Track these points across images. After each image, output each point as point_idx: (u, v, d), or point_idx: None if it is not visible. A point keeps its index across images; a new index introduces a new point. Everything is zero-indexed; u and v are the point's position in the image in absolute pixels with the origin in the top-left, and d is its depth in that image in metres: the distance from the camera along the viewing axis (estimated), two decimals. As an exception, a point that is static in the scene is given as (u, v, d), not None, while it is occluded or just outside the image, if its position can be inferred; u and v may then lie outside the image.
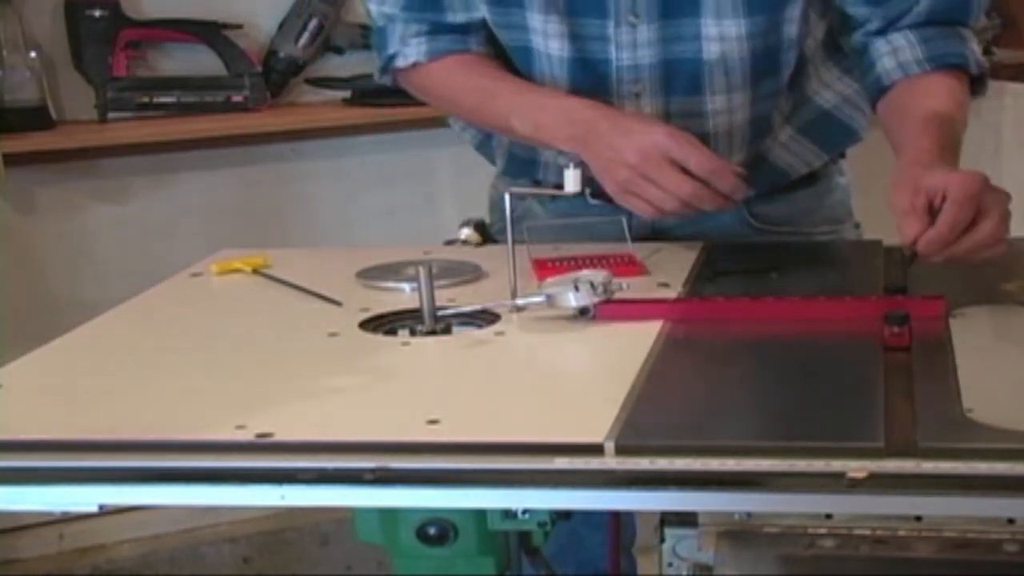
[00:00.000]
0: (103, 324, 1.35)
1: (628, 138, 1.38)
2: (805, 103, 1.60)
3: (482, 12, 1.54)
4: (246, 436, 1.00)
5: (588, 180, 1.39)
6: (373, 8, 1.61)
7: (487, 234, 1.59)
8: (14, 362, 1.21)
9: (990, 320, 1.24)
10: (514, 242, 1.32)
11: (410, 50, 1.57)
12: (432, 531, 1.04)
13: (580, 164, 1.36)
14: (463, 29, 1.56)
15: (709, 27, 1.47)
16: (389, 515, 1.06)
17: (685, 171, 1.35)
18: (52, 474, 0.98)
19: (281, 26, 2.64)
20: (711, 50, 1.48)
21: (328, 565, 2.73)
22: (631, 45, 1.49)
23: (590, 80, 1.51)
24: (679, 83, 1.51)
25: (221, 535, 2.70)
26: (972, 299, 1.26)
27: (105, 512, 2.47)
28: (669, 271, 1.42)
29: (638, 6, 1.47)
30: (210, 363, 1.21)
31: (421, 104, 2.60)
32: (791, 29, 1.50)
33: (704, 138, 1.52)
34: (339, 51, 2.69)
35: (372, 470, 0.95)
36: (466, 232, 1.60)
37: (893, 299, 1.23)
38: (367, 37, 2.68)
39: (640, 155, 1.36)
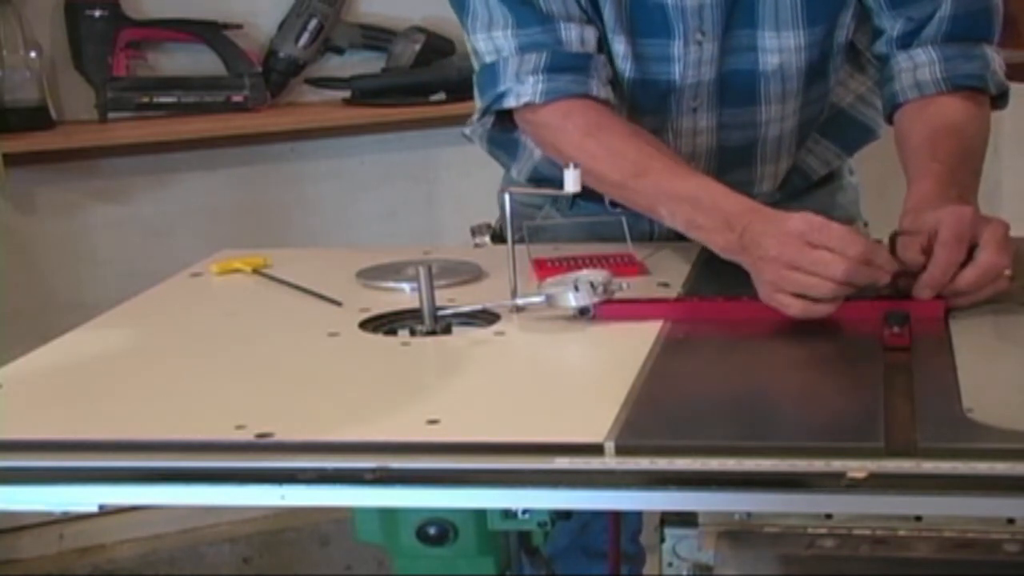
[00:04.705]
0: (103, 324, 1.35)
1: (770, 235, 1.24)
2: None
3: (595, 32, 1.45)
4: (246, 436, 1.00)
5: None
6: (481, 41, 1.47)
7: (503, 241, 1.58)
8: (14, 362, 1.21)
9: (990, 320, 1.23)
10: (515, 242, 1.32)
11: (525, 88, 1.43)
12: (432, 531, 1.04)
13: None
14: (582, 65, 1.44)
15: (768, 39, 1.46)
16: (389, 515, 1.06)
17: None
18: (52, 474, 0.98)
19: (281, 26, 2.64)
20: (769, 62, 1.47)
21: (328, 565, 2.73)
22: (696, 63, 1.47)
23: (651, 99, 1.50)
24: (734, 94, 1.50)
25: (221, 535, 2.70)
26: (972, 299, 1.26)
27: (105, 512, 2.48)
28: (669, 271, 1.42)
29: (705, 23, 1.45)
30: (210, 363, 1.21)
31: (421, 104, 2.65)
32: (842, 35, 1.50)
33: (754, 146, 1.53)
34: (339, 51, 2.69)
35: (372, 470, 0.94)
36: (482, 240, 1.60)
37: (893, 299, 1.23)
38: (367, 37, 2.70)
39: (780, 244, 1.22)
